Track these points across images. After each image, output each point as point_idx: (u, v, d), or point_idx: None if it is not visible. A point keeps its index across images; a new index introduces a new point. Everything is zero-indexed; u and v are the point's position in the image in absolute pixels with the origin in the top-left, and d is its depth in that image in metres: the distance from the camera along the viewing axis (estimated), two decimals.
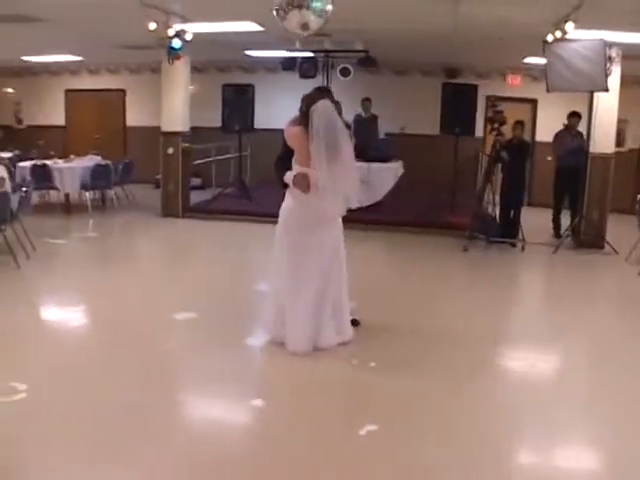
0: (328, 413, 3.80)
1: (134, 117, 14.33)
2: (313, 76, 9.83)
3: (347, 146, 4.48)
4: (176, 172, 10.28)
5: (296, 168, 4.50)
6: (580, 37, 7.03)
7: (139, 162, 11.87)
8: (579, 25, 6.44)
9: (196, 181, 13.21)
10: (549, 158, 10.07)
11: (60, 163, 10.48)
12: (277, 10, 4.62)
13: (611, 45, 7.59)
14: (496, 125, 8.18)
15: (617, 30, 7.21)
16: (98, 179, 10.41)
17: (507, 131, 8.44)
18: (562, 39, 6.85)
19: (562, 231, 8.84)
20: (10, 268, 6.73)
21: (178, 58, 9.11)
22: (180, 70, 9.83)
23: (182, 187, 10.38)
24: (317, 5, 4.51)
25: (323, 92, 4.90)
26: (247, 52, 11.52)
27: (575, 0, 5.74)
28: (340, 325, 4.66)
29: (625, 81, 8.47)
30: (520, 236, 8.47)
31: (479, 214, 8.67)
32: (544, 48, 7.31)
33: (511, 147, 8.37)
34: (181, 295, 6.11)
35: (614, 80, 7.92)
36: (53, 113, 14.79)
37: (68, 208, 10.57)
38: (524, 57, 9.83)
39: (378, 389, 4.09)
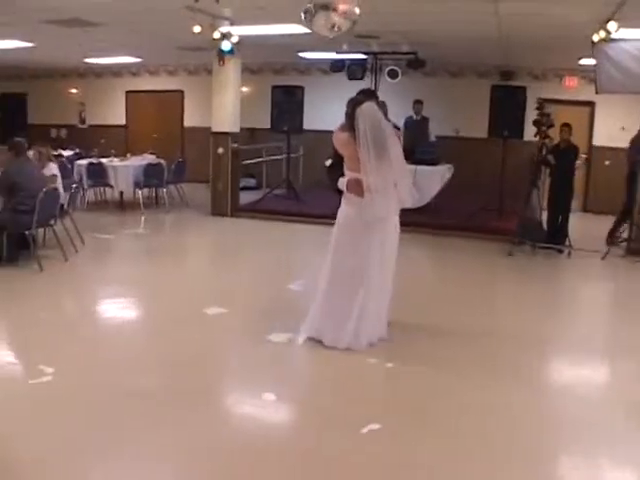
0: (332, 409, 3.89)
1: (191, 118, 14.78)
2: (361, 78, 9.92)
3: (395, 146, 4.55)
4: (225, 172, 10.57)
5: (348, 174, 4.61)
6: (630, 37, 6.87)
7: (195, 162, 12.28)
8: (627, 24, 6.31)
9: (250, 182, 13.54)
10: (607, 162, 9.86)
11: (116, 161, 10.95)
12: (304, 13, 4.75)
13: None
14: (543, 128, 8.07)
15: None
16: (151, 178, 10.80)
17: (556, 134, 8.32)
18: (610, 39, 6.73)
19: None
20: (58, 261, 7.12)
21: (227, 59, 9.44)
22: (230, 71, 10.10)
23: (231, 187, 10.66)
24: (343, 7, 4.62)
25: (368, 94, 5.01)
26: (300, 54, 11.74)
27: None
28: (377, 327, 4.75)
29: None
30: (567, 242, 8.33)
31: (525, 219, 8.57)
32: (593, 48, 7.19)
33: (558, 151, 8.24)
34: (216, 290, 6.33)
35: None
36: (114, 113, 15.43)
37: (122, 205, 11.04)
38: (579, 58, 9.64)
39: (387, 389, 4.17)
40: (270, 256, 8.15)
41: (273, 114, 10.72)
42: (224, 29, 8.12)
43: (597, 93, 7.59)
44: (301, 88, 10.82)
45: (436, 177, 10.01)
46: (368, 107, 4.43)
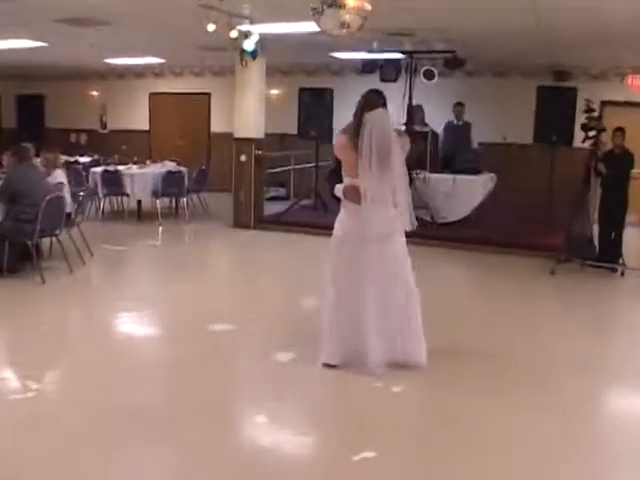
0: (327, 434, 3.96)
1: (218, 122, 15.05)
2: (394, 80, 10.01)
3: (399, 158, 4.60)
4: (248, 180, 10.78)
5: (346, 180, 4.71)
6: None
7: (222, 170, 12.51)
8: None
9: (280, 191, 13.73)
10: None
11: (133, 169, 11.27)
12: (313, 12, 4.89)
13: None
14: (592, 133, 8.00)
15: None
16: (170, 186, 11.07)
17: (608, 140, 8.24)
18: None
19: None
20: (62, 273, 7.38)
21: (249, 60, 9.65)
22: (254, 73, 10.33)
23: (255, 196, 10.86)
24: (352, 3, 4.74)
25: (379, 94, 5.08)
26: (333, 54, 11.90)
27: None
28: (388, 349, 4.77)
29: None
30: (621, 260, 8.21)
31: (573, 234, 8.48)
32: None
33: (611, 158, 8.14)
34: (224, 306, 6.49)
35: None
36: (137, 117, 15.86)
37: (139, 215, 11.35)
38: None
39: (389, 414, 4.22)
40: (289, 271, 8.28)
41: (300, 119, 10.87)
42: (243, 28, 8.31)
43: None
44: (330, 90, 10.97)
45: (477, 187, 10.04)
46: (379, 115, 4.51)
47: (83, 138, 15.90)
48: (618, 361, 5.40)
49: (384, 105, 5.03)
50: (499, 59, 11.38)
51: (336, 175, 4.79)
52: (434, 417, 4.23)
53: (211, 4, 6.99)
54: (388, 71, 10.00)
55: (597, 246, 8.44)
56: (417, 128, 10.42)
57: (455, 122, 11.01)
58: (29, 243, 6.99)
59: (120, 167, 11.24)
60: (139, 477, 3.41)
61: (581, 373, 4.99)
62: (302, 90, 11.14)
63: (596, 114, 7.98)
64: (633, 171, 8.36)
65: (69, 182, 9.83)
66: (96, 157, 13.36)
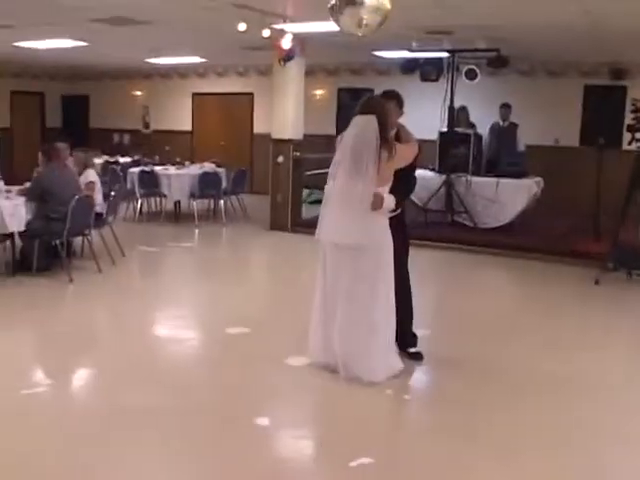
0: (328, 438, 4.04)
1: (261, 123, 15.24)
2: (435, 79, 10.02)
3: (371, 172, 4.57)
4: (286, 183, 10.92)
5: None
6: None
7: (264, 171, 12.66)
8: None
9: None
10: None
11: (171, 170, 11.54)
12: (330, 10, 4.97)
13: None
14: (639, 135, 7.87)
15: None
16: (206, 188, 11.29)
17: None
18: None
19: None
20: (91, 272, 7.65)
21: (288, 59, 9.81)
22: (293, 73, 10.48)
23: (292, 199, 10.99)
24: (370, 2, 4.79)
25: (389, 96, 5.16)
26: (375, 53, 11.97)
27: None
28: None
29: None
30: None
31: (620, 242, 8.33)
32: None
33: None
34: (245, 309, 6.62)
35: None
36: (180, 117, 16.23)
37: (176, 217, 11.61)
38: None
39: (394, 422, 4.27)
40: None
41: (338, 120, 10.96)
42: (277, 26, 8.46)
43: None
44: (369, 91, 11.02)
45: (521, 192, 9.95)
46: (360, 121, 4.60)
47: (126, 138, 16.35)
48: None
49: (400, 106, 5.11)
50: (548, 57, 11.28)
51: None
52: (437, 428, 4.24)
53: (243, 3, 7.16)
54: (428, 70, 10.03)
55: None
56: (459, 130, 10.40)
57: (501, 123, 10.94)
58: (58, 242, 7.26)
59: (157, 168, 11.52)
60: (146, 474, 3.55)
61: (617, 395, 4.88)
62: (341, 90, 11.22)
63: None
64: None
65: (106, 182, 10.22)
66: (136, 157, 13.71)
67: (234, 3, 7.29)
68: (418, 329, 5.34)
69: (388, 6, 4.94)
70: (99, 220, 8.03)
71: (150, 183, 11.18)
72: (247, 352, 5.42)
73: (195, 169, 11.72)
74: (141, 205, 11.61)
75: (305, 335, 5.11)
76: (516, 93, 11.52)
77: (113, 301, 6.97)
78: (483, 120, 11.12)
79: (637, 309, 7.29)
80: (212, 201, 12.00)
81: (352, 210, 4.59)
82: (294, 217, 11.08)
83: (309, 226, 10.92)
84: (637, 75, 11.13)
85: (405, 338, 5.14)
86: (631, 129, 7.97)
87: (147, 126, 16.67)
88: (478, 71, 9.90)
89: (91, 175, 8.21)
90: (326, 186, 4.78)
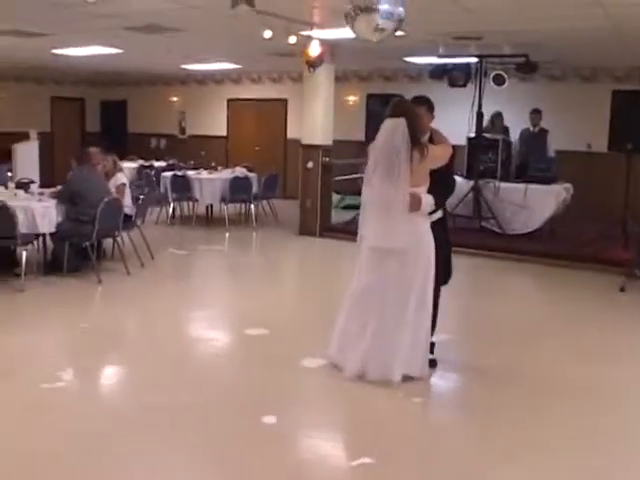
0: (332, 437, 4.13)
1: (295, 129, 15.39)
2: (464, 85, 10.04)
3: (404, 174, 4.62)
4: (315, 188, 11.03)
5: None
6: None
7: (297, 176, 12.80)
8: None
9: (357, 199, 13.90)
10: None
11: (203, 174, 11.75)
12: (346, 17, 5.07)
13: None
14: None
15: None
16: (237, 192, 11.46)
17: None
18: None
19: None
20: (120, 274, 7.86)
21: (317, 65, 9.92)
22: (322, 79, 10.60)
23: (321, 204, 11.10)
24: (384, 7, 4.88)
25: (419, 101, 5.23)
26: (406, 59, 12.04)
27: None
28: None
29: None
30: None
31: None
32: None
33: None
34: (265, 311, 6.73)
35: None
36: (215, 123, 16.48)
37: (207, 221, 11.82)
38: None
39: (400, 424, 4.33)
40: (344, 279, 8.43)
41: (368, 126, 11.04)
42: (304, 33, 8.59)
43: None
44: (398, 97, 11.05)
45: (550, 198, 9.90)
46: (390, 124, 4.66)
47: (163, 143, 16.68)
48: None
49: (431, 111, 5.18)
50: (578, 62, 11.22)
51: None
52: (443, 430, 4.29)
53: (269, 10, 7.30)
54: (456, 76, 10.03)
55: None
56: (488, 136, 10.39)
57: (531, 129, 10.90)
58: (87, 244, 7.48)
59: (189, 172, 11.74)
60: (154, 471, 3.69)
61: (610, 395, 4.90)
62: (370, 96, 11.29)
63: None
64: None
65: (140, 186, 10.49)
66: (171, 162, 13.97)
67: (260, 11, 7.43)
68: (441, 334, 5.38)
69: (402, 12, 5.02)
70: (128, 222, 8.24)
71: (182, 187, 11.39)
72: (263, 353, 5.52)
73: (226, 174, 11.89)
74: (174, 209, 11.83)
75: (323, 338, 5.21)
76: (547, 98, 11.48)
77: (139, 302, 7.15)
78: (514, 126, 11.10)
79: None
80: (244, 205, 12.18)
81: (391, 213, 4.65)
82: (323, 222, 11.17)
83: (338, 231, 11.10)
84: None
85: None
86: None
87: (183, 131, 16.96)
88: (506, 76, 9.88)
89: (121, 178, 8.44)
90: (362, 191, 4.86)
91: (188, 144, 16.47)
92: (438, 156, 4.84)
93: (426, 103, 5.18)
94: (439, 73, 10.35)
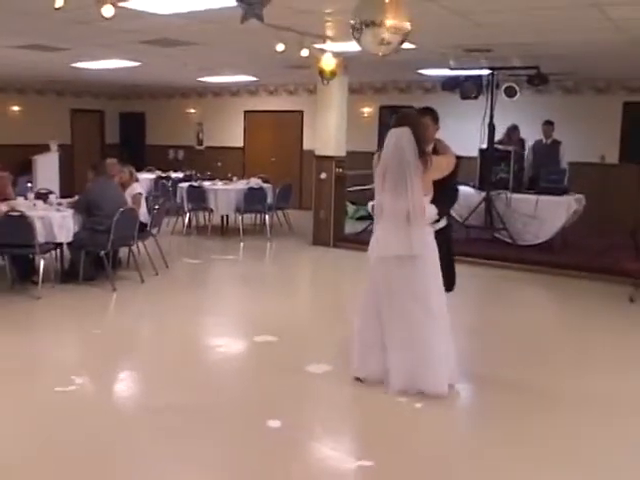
0: (335, 439, 4.25)
1: (311, 139, 15.54)
2: (475, 97, 10.14)
3: (415, 182, 4.69)
4: (328, 199, 11.18)
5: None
6: None
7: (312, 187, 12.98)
8: None
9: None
10: None
11: (218, 185, 11.95)
12: (352, 30, 5.21)
13: None
14: None
15: None
16: (252, 203, 11.64)
17: None
18: None
19: None
20: (134, 282, 8.05)
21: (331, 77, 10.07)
22: (336, 91, 10.76)
23: (334, 215, 11.24)
24: (390, 22, 5.01)
25: (424, 112, 5.35)
26: (420, 71, 12.17)
27: None
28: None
29: None
30: None
31: None
32: None
33: None
34: (274, 320, 6.86)
35: None
36: (232, 134, 16.70)
37: (222, 231, 12.00)
38: None
39: (401, 428, 4.44)
40: (354, 289, 8.56)
41: (380, 138, 11.17)
42: (317, 46, 8.75)
43: None
44: (409, 108, 11.19)
45: (560, 209, 9.94)
46: (396, 133, 4.77)
47: (180, 154, 16.94)
48: None
49: (435, 121, 5.30)
50: (591, 74, 11.28)
51: None
52: (444, 439, 4.39)
53: (281, 24, 7.47)
54: (468, 88, 10.13)
55: None
56: (500, 147, 10.49)
57: (544, 141, 10.97)
58: (103, 253, 7.67)
59: (205, 183, 11.94)
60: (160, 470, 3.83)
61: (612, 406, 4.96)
62: (382, 108, 11.43)
63: None
64: None
65: (157, 196, 10.71)
66: (188, 173, 14.19)
67: (273, 25, 7.60)
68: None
69: (408, 26, 5.15)
70: (143, 232, 8.43)
71: (198, 198, 11.58)
72: (270, 359, 5.66)
73: (241, 184, 12.08)
74: (189, 219, 12.02)
75: (329, 345, 5.34)
76: (560, 110, 11.57)
77: (152, 309, 7.32)
78: (527, 137, 11.20)
79: None
80: (259, 216, 12.36)
81: (401, 222, 4.71)
82: (336, 233, 11.30)
83: (351, 241, 11.24)
84: None
85: None
86: None
87: (201, 142, 17.19)
88: (517, 89, 9.98)
89: (137, 187, 8.65)
90: (370, 203, 4.95)
91: (205, 155, 16.70)
92: (442, 167, 4.93)
93: (430, 114, 5.32)
94: (451, 85, 10.45)
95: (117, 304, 7.46)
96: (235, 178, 12.71)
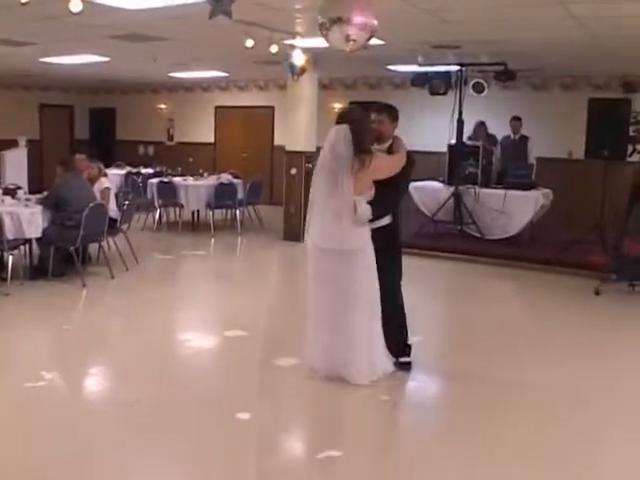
0: (300, 431, 4.32)
1: (282, 135, 15.58)
2: (444, 93, 10.25)
3: (346, 181, 4.70)
4: (298, 194, 11.23)
5: None
6: None
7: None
8: None
9: None
10: None
11: (188, 180, 11.95)
12: (320, 27, 5.27)
13: None
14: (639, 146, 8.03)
15: None
16: (222, 198, 11.67)
17: None
18: None
19: None
20: (104, 278, 8.04)
21: (301, 74, 10.10)
22: (305, 86, 10.82)
23: (304, 210, 11.23)
24: (357, 19, 5.09)
25: (379, 109, 5.40)
26: (389, 67, 12.26)
27: None
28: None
29: None
30: None
31: (620, 253, 8.47)
32: None
33: None
34: (243, 314, 6.91)
35: None
36: (203, 130, 16.68)
37: (193, 226, 12.00)
38: None
39: (367, 419, 4.53)
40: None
41: None
42: (287, 42, 8.80)
43: None
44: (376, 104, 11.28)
45: (528, 204, 10.09)
46: (335, 130, 4.78)
47: (151, 150, 16.87)
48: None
49: (393, 119, 5.34)
50: (558, 71, 11.47)
51: None
52: (409, 429, 4.50)
53: (251, 20, 7.50)
54: (437, 84, 10.24)
55: None
56: (468, 143, 10.62)
57: (512, 136, 11.12)
58: (72, 248, 7.65)
59: (175, 178, 11.93)
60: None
61: (610, 404, 5.05)
62: (353, 104, 11.47)
63: None
64: None
65: (128, 192, 10.68)
66: (158, 169, 14.15)
67: (242, 21, 7.63)
68: (416, 336, 5.52)
69: (375, 23, 5.22)
70: (113, 227, 8.42)
71: (168, 193, 11.57)
72: (240, 353, 5.72)
73: (212, 180, 12.08)
74: (160, 215, 12.01)
75: (297, 339, 5.40)
76: (528, 106, 11.75)
77: (122, 304, 7.32)
78: (495, 133, 11.34)
79: (633, 320, 7.36)
80: (229, 211, 12.39)
81: (336, 218, 4.76)
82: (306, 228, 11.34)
83: None
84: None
85: (398, 348, 5.24)
86: (632, 140, 8.10)
87: (171, 138, 17.14)
88: (486, 85, 10.11)
89: (105, 182, 8.63)
90: (310, 192, 4.99)
91: (176, 151, 16.64)
92: (382, 167, 4.84)
93: (387, 111, 5.22)
94: (421, 81, 10.56)
95: (87, 300, 7.46)
96: (206, 174, 12.71)
